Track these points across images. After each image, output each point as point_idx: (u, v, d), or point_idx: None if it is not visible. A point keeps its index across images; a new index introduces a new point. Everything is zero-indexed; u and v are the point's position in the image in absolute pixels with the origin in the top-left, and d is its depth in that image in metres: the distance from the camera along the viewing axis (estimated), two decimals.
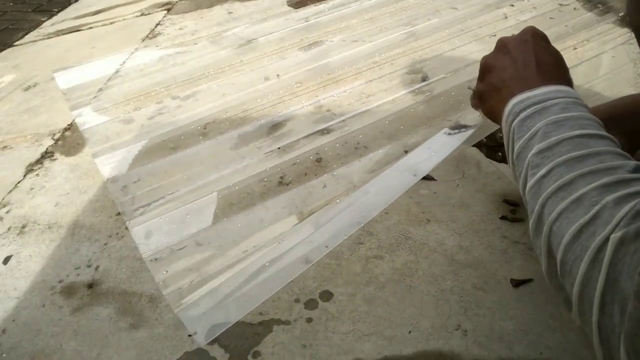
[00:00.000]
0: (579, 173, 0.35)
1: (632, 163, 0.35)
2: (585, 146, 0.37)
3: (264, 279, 0.62)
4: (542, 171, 0.37)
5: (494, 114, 0.49)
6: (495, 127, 0.54)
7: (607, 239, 0.30)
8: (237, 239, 0.79)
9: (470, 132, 0.64)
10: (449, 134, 0.66)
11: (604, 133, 0.38)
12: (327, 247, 0.64)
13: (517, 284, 0.68)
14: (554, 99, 0.41)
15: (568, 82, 0.45)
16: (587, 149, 0.36)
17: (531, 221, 0.38)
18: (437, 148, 0.66)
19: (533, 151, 0.39)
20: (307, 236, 0.67)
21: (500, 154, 0.81)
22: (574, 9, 1.45)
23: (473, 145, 0.83)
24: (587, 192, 0.33)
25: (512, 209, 0.80)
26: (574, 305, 0.32)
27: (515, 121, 0.42)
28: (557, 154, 0.37)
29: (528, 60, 0.46)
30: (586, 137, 0.37)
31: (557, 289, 0.36)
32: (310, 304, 0.68)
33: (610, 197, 0.32)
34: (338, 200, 0.75)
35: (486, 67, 0.51)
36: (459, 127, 0.66)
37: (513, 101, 0.44)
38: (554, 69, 0.46)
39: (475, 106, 0.55)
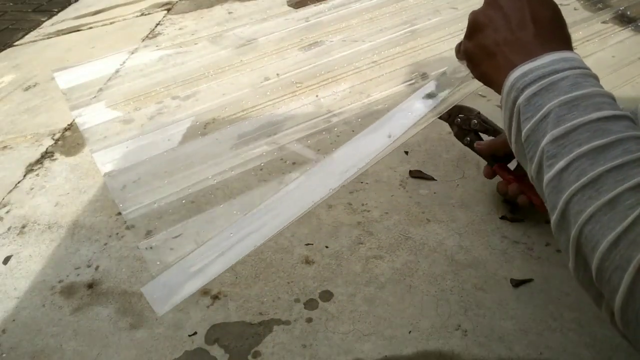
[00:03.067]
0: (605, 168, 0.33)
1: None
2: (606, 132, 0.34)
3: (228, 249, 0.61)
4: (561, 163, 0.35)
5: (487, 81, 0.46)
6: (476, 85, 0.51)
7: None
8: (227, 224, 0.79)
9: (445, 95, 0.62)
10: (426, 98, 0.65)
11: (621, 112, 0.36)
12: (297, 213, 0.61)
13: (517, 284, 0.68)
14: (561, 71, 0.38)
15: (568, 41, 0.42)
16: (608, 137, 0.34)
17: (553, 217, 0.36)
18: (414, 110, 0.64)
19: (547, 138, 0.36)
20: (274, 202, 0.64)
21: (468, 138, 0.80)
22: (574, 9, 1.45)
23: (445, 121, 0.82)
24: (620, 194, 0.31)
25: (512, 208, 0.80)
26: (617, 314, 0.31)
27: (521, 99, 0.39)
28: (575, 143, 0.35)
29: (524, 18, 0.43)
30: (604, 121, 0.35)
31: (585, 285, 0.35)
32: (310, 304, 0.68)
33: None
34: (308, 167, 0.73)
35: (476, 24, 0.47)
36: (434, 94, 0.64)
37: (514, 74, 0.40)
38: (552, 27, 0.43)
39: (460, 59, 0.52)
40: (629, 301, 0.30)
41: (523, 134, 0.39)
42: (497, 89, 0.44)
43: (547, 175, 0.36)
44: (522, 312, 0.65)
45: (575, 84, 0.37)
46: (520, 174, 0.74)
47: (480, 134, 0.80)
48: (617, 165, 0.33)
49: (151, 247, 0.78)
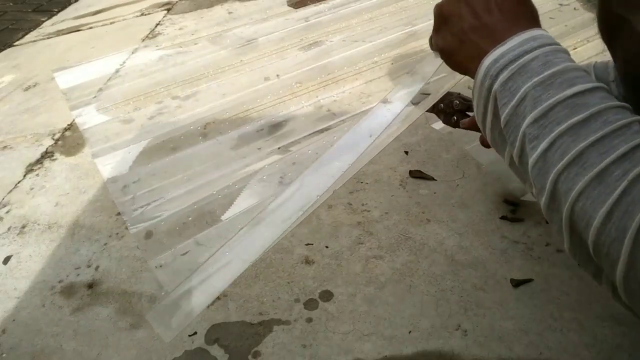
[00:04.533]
0: (588, 143, 0.33)
1: (636, 119, 0.33)
2: (583, 107, 0.34)
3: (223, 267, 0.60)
4: (544, 144, 0.35)
5: (462, 70, 0.46)
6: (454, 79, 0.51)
7: None
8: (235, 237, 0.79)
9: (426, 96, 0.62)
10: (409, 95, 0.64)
11: (595, 84, 0.36)
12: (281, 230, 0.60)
13: (517, 284, 0.68)
14: (531, 51, 0.38)
15: (534, 17, 0.42)
16: (586, 111, 0.34)
17: (542, 198, 0.36)
18: (394, 108, 0.64)
19: (527, 121, 0.36)
20: (254, 216, 0.63)
21: (455, 118, 0.81)
22: (574, 9, 1.45)
23: (431, 112, 0.83)
24: (606, 167, 0.32)
25: (512, 209, 0.80)
26: (619, 286, 0.31)
27: (496, 86, 0.39)
28: (555, 122, 0.35)
29: (487, 2, 0.42)
30: (580, 95, 0.35)
31: (582, 262, 0.35)
32: (310, 304, 0.68)
33: (635, 171, 0.30)
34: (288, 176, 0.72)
35: (441, 16, 0.46)
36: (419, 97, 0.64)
37: (486, 62, 0.40)
38: (517, 6, 0.42)
39: (435, 50, 0.52)
40: (630, 271, 0.30)
41: (502, 119, 0.39)
42: (473, 76, 0.44)
43: (532, 158, 0.36)
44: (522, 312, 0.65)
45: (546, 63, 0.37)
46: None
47: (466, 112, 0.81)
48: (599, 138, 0.33)
49: (161, 266, 0.78)
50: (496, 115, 0.40)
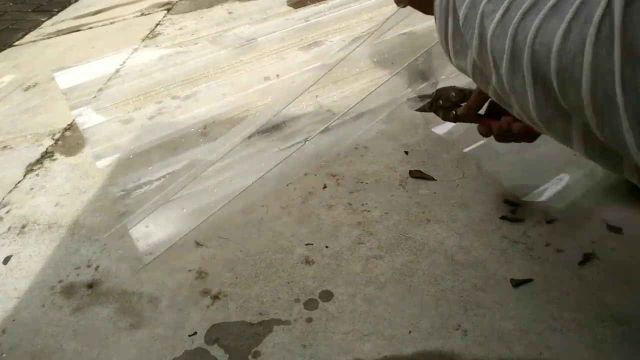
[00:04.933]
0: None
1: None
2: None
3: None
4: (501, 10, 0.33)
5: (429, 6, 0.46)
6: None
7: (607, 8, 0.26)
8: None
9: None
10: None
11: None
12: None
13: (517, 284, 0.68)
14: None
15: None
16: None
17: (504, 65, 0.34)
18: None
19: (483, 3, 0.35)
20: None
21: (454, 112, 0.81)
22: None
23: (428, 111, 0.82)
24: (560, 0, 0.29)
25: (512, 209, 0.80)
26: (590, 118, 0.28)
27: None
28: None
29: None
30: None
31: (549, 120, 0.33)
32: (310, 304, 0.68)
33: None
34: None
35: None
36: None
37: None
38: None
39: (398, 2, 0.53)
40: (596, 84, 0.27)
41: (460, 19, 0.38)
42: (433, 4, 0.44)
43: (490, 30, 0.34)
44: (522, 312, 0.65)
45: None
46: (507, 113, 0.73)
47: (462, 104, 0.80)
48: None
49: (151, 253, 0.78)
50: (455, 19, 0.39)
